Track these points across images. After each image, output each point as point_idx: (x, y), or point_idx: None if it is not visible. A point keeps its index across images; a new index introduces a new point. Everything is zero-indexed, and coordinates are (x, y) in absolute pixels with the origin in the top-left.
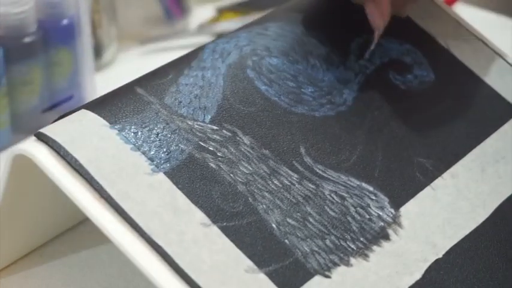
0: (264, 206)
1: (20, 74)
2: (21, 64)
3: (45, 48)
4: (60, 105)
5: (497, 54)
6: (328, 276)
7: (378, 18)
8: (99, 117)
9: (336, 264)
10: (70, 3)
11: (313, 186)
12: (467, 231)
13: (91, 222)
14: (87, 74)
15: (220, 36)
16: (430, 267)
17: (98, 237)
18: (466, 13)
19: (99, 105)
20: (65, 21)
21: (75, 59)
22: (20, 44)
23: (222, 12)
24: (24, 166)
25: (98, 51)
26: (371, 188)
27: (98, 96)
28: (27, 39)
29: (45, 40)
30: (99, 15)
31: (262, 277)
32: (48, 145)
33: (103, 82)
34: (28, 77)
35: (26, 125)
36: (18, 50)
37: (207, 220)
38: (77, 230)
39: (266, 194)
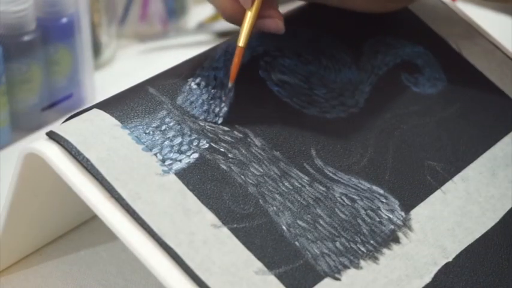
0: (275, 208)
1: (19, 73)
2: (21, 62)
3: (44, 47)
4: (60, 104)
5: (509, 57)
6: (338, 279)
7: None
8: (111, 116)
9: (345, 267)
10: (69, 1)
11: (323, 189)
12: (477, 235)
13: (91, 221)
14: (86, 73)
15: (232, 36)
16: (439, 270)
17: (98, 237)
18: (465, 12)
19: (111, 105)
20: (64, 20)
21: (74, 57)
22: (19, 42)
23: None
24: (34, 165)
25: (97, 49)
26: (381, 191)
27: (97, 94)
28: (26, 38)
29: (45, 38)
30: (98, 14)
31: (272, 279)
32: (60, 144)
33: (102, 80)
34: (27, 75)
35: (26, 123)
36: (18, 48)
37: (217, 221)
38: (77, 229)
39: (277, 196)
